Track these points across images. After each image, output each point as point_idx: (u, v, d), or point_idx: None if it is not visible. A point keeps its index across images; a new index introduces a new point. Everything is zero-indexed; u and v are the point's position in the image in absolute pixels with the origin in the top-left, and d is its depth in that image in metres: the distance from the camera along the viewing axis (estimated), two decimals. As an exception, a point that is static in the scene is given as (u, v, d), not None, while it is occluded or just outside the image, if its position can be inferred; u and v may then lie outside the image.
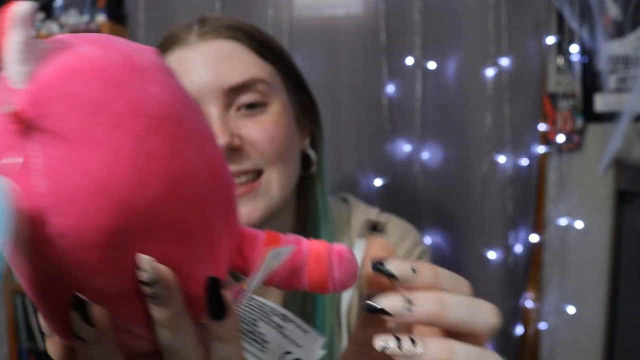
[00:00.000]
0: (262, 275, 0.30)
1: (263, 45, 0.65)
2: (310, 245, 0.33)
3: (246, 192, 0.62)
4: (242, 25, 0.65)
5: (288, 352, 0.31)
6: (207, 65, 0.61)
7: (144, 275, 0.25)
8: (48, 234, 0.23)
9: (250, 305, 0.32)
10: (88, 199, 0.23)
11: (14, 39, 0.22)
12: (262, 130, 0.62)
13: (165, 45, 0.66)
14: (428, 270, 0.31)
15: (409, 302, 0.30)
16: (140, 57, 0.26)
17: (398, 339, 0.29)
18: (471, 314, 0.30)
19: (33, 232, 0.23)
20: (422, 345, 0.29)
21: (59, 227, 0.23)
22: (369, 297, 0.31)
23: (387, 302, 0.30)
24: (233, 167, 0.62)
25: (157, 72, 0.27)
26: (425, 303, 0.29)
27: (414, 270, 0.30)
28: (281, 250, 0.30)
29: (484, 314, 0.30)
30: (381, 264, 0.30)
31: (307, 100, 0.74)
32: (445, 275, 0.31)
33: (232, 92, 0.62)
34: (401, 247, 0.77)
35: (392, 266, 0.30)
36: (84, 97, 0.23)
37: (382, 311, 0.30)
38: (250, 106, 0.63)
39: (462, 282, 0.32)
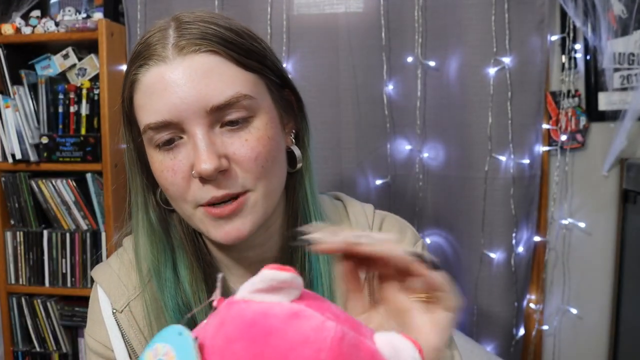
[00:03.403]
0: None
1: (243, 53, 0.63)
2: None
3: (233, 209, 0.62)
4: (219, 33, 0.63)
5: None
6: (187, 85, 0.60)
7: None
8: None
9: None
10: None
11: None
12: (247, 147, 0.62)
13: (140, 59, 0.63)
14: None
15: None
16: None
17: None
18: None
19: None
20: None
21: None
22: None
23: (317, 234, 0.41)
24: (222, 192, 0.61)
25: None
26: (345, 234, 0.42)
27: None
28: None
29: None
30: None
31: (291, 95, 0.73)
32: None
33: (216, 111, 0.61)
34: (403, 242, 0.76)
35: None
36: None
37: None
38: (235, 122, 0.62)
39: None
